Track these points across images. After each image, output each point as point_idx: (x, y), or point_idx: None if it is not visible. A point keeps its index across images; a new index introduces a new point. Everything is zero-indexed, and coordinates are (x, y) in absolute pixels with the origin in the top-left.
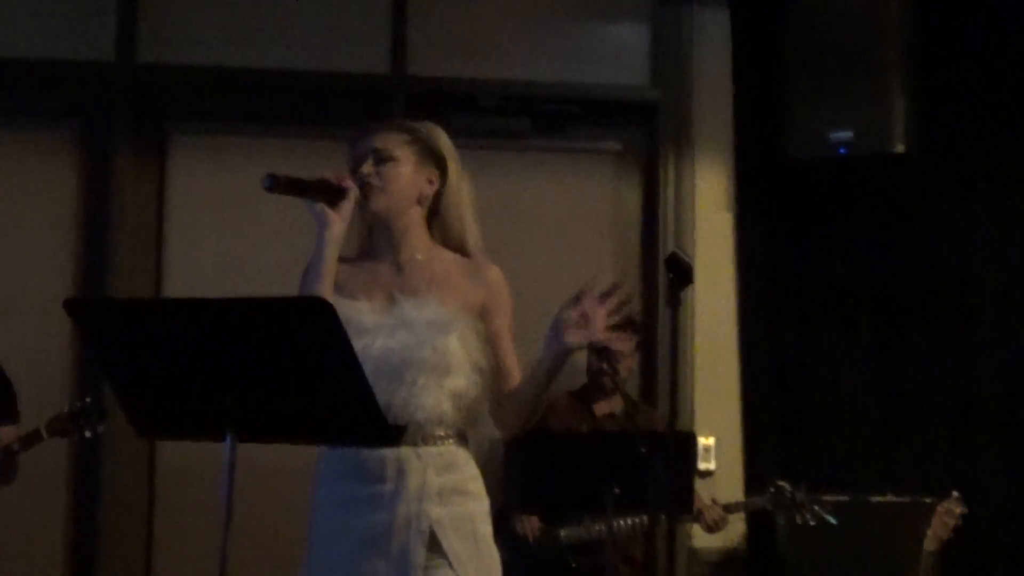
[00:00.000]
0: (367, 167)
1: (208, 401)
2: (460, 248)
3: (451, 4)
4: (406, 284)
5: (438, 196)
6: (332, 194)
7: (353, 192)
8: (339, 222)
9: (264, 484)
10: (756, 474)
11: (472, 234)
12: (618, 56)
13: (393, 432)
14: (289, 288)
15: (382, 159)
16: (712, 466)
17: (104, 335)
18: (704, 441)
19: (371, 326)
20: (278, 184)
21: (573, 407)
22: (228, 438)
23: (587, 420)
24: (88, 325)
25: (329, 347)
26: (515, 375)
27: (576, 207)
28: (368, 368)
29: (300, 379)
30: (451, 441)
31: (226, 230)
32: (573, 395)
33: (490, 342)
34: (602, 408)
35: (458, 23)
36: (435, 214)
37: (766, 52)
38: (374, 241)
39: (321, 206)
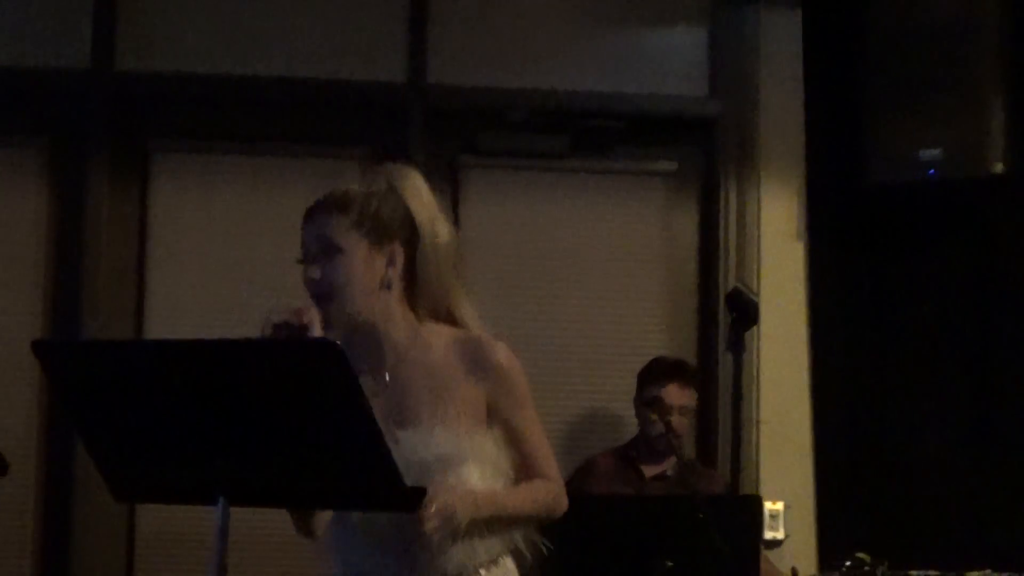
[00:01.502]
0: (311, 271)
1: (197, 460)
2: (450, 318)
3: (477, 4)
4: (399, 407)
5: (412, 260)
6: (296, 333)
7: (316, 320)
8: None
9: (260, 553)
10: (831, 545)
11: (461, 304)
12: (671, 64)
13: (411, 495)
14: None
15: (326, 252)
16: (780, 535)
17: (77, 382)
18: (771, 506)
19: None
20: None
21: (617, 467)
22: (220, 502)
23: (633, 482)
24: (58, 371)
25: (337, 397)
26: (541, 469)
27: (622, 237)
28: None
29: (303, 434)
30: (488, 569)
31: (216, 261)
32: (618, 454)
33: (506, 437)
34: (651, 469)
35: (485, 26)
36: (413, 281)
37: (843, 59)
38: (352, 350)
39: None
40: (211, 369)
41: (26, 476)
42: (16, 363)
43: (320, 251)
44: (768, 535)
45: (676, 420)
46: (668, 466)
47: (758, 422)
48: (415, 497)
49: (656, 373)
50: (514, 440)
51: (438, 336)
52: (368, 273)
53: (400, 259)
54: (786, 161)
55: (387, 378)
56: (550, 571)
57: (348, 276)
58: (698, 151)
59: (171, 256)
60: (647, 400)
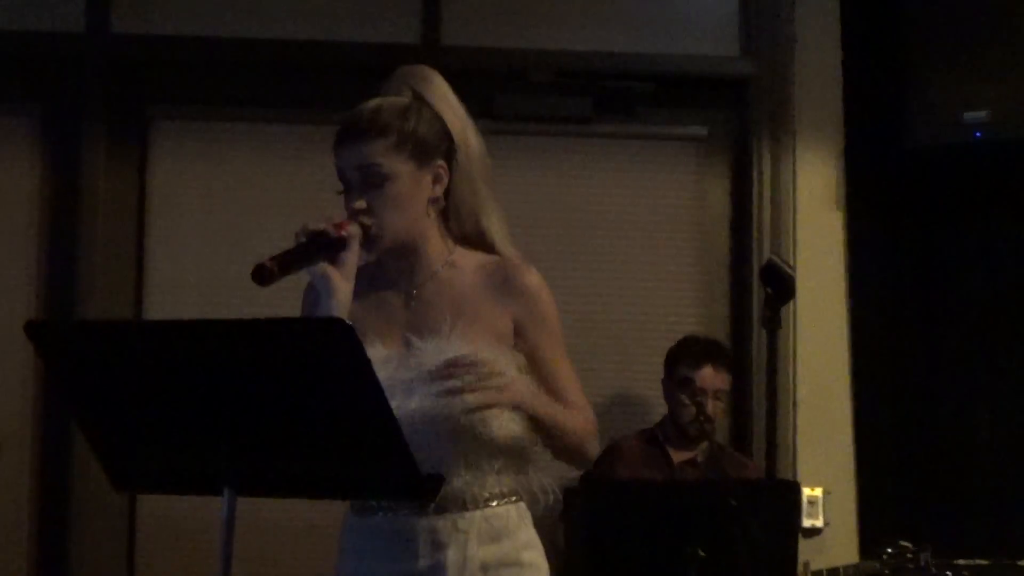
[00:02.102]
0: (356, 201)
1: (200, 448)
2: (481, 241)
3: None
4: (422, 320)
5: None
6: (332, 248)
7: (356, 238)
8: (345, 285)
9: (266, 544)
10: (872, 533)
11: (492, 220)
12: (701, 21)
13: (428, 483)
14: (296, 306)
15: (371, 181)
16: (819, 523)
17: (73, 365)
18: (810, 492)
19: (384, 382)
20: (272, 274)
21: (644, 452)
22: (225, 492)
23: (662, 468)
24: (54, 353)
25: (348, 378)
26: (569, 397)
27: (650, 206)
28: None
29: (312, 419)
30: (499, 502)
31: (221, 236)
32: (645, 436)
33: (531, 365)
34: (681, 454)
35: None
36: (446, 204)
37: (884, 15)
38: (383, 266)
39: (323, 267)
40: (214, 351)
41: (21, 465)
42: (9, 345)
43: (363, 180)
44: (807, 523)
45: (710, 404)
46: (698, 451)
47: (795, 403)
48: (432, 485)
49: (688, 354)
50: (541, 366)
51: (469, 259)
52: (417, 196)
53: (445, 175)
54: (823, 124)
55: (414, 294)
56: (578, 559)
57: (397, 203)
58: (730, 114)
59: (172, 230)
60: (679, 382)
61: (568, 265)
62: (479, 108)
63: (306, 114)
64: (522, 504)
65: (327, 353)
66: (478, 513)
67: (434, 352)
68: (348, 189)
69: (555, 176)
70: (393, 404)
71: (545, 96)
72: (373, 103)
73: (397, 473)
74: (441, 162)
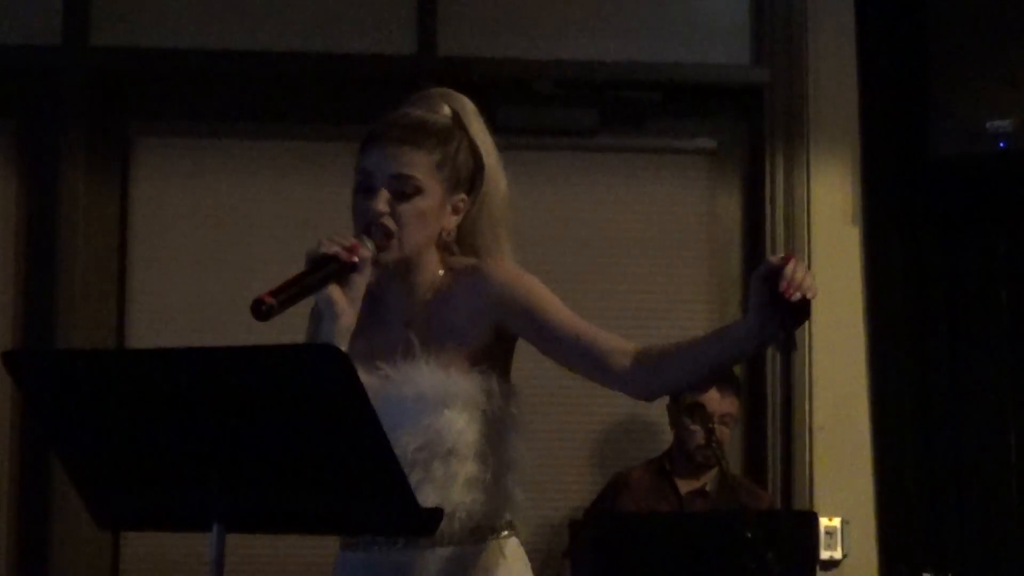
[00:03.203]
0: (381, 203)
1: (188, 482)
2: (481, 255)
3: None
4: (398, 346)
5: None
6: (342, 273)
7: (368, 261)
8: (351, 310)
9: None
10: (894, 564)
11: (504, 252)
12: (711, 28)
13: (428, 517)
14: (287, 329)
15: (404, 192)
16: (838, 554)
17: (53, 397)
18: (827, 522)
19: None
20: (272, 310)
21: (652, 482)
22: (214, 528)
23: (669, 499)
24: (32, 384)
25: (342, 408)
26: (610, 337)
27: (659, 221)
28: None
29: (305, 451)
30: (491, 537)
31: (206, 258)
32: (650, 468)
33: (550, 339)
34: (688, 484)
35: None
36: (455, 236)
37: (902, 20)
38: (383, 291)
39: (330, 291)
40: (202, 380)
41: None
42: None
43: (394, 188)
44: (825, 554)
45: (719, 429)
46: (707, 480)
47: (811, 429)
48: (431, 518)
49: None
50: (561, 329)
51: (448, 274)
52: (438, 220)
53: (463, 210)
54: (839, 135)
55: (408, 321)
56: None
57: (422, 219)
58: (741, 125)
59: (156, 252)
60: (684, 407)
61: (574, 283)
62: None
63: (295, 129)
64: (516, 539)
65: (320, 381)
66: (470, 549)
67: (400, 381)
68: (368, 190)
69: (560, 191)
70: None
71: (549, 108)
72: (416, 114)
73: (395, 506)
74: (464, 196)
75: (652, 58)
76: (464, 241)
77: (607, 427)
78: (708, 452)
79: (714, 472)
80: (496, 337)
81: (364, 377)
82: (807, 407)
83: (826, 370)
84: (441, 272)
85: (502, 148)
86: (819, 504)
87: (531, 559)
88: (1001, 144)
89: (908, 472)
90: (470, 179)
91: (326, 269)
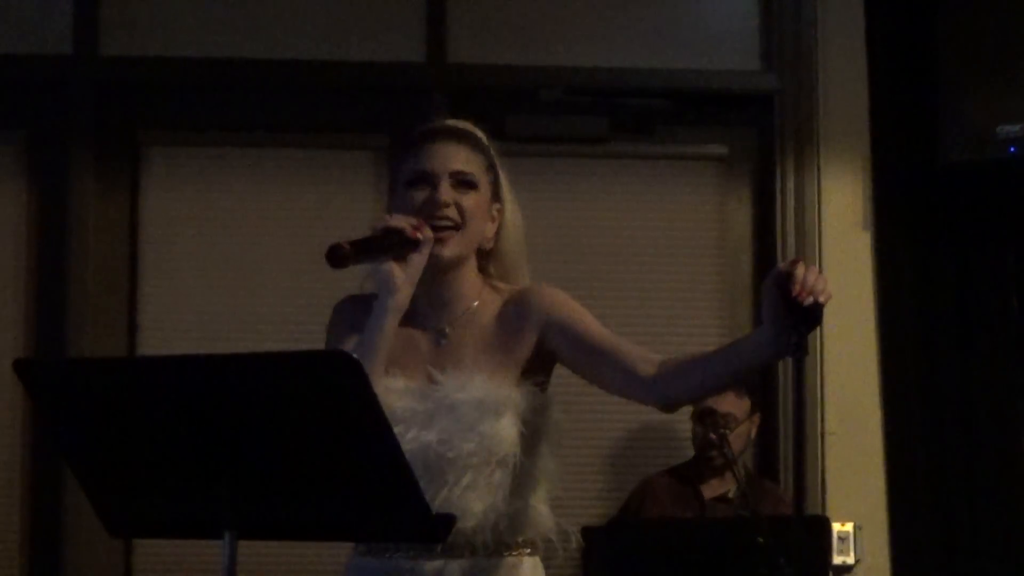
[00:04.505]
0: (447, 194)
1: (200, 490)
2: (508, 279)
3: None
4: (448, 357)
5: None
6: (404, 247)
7: (429, 243)
8: (407, 288)
9: None
10: (906, 570)
11: (524, 273)
12: (720, 35)
13: (439, 523)
14: (298, 338)
15: (465, 188)
16: (851, 559)
17: (64, 405)
18: (840, 528)
19: (402, 413)
20: (346, 257)
21: (675, 489)
22: (226, 536)
23: (693, 505)
24: (44, 392)
25: (354, 414)
26: (637, 349)
27: (669, 229)
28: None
29: (317, 457)
30: (512, 553)
31: (216, 266)
32: (675, 474)
33: (587, 352)
34: (713, 488)
35: None
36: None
37: (912, 26)
38: (414, 303)
39: (390, 266)
40: (213, 387)
41: (11, 511)
42: None
43: (454, 181)
44: (837, 560)
45: (731, 434)
46: (729, 485)
47: (823, 434)
48: (443, 525)
49: None
50: (597, 343)
51: (496, 297)
52: (483, 224)
53: (498, 220)
54: (849, 141)
55: (447, 332)
56: None
57: (480, 214)
58: (752, 132)
59: (166, 260)
60: (698, 412)
61: (584, 292)
62: (488, 129)
63: (304, 138)
64: (537, 558)
65: (332, 388)
66: (491, 562)
67: (455, 387)
68: (425, 185)
69: (569, 199)
70: (410, 435)
71: (557, 115)
72: (460, 123)
73: (407, 513)
74: (499, 207)
75: (662, 65)
76: (498, 259)
77: (626, 434)
78: (720, 456)
79: (742, 475)
80: (538, 354)
81: (402, 381)
82: (819, 412)
83: (838, 375)
84: (481, 285)
85: (511, 156)
86: (831, 509)
87: (545, 566)
88: (1011, 149)
89: (920, 477)
90: (499, 195)
91: (391, 240)
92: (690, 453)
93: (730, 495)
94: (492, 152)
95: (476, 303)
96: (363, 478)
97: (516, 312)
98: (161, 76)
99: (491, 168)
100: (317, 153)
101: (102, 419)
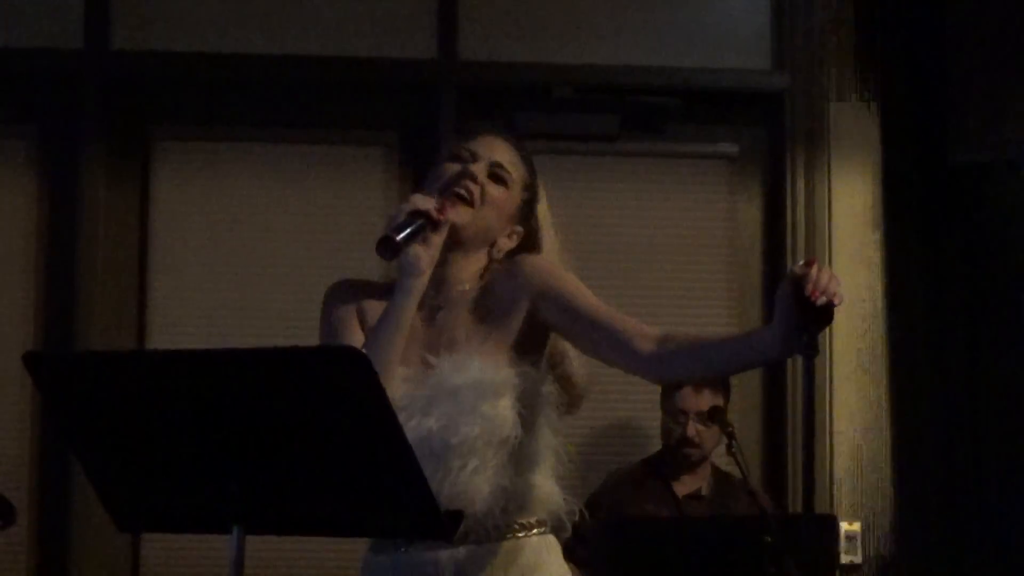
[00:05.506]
0: (480, 170)
1: (208, 485)
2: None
3: None
4: (440, 338)
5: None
6: (429, 228)
7: (446, 225)
8: (431, 269)
9: None
10: (914, 570)
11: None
12: (731, 33)
13: (448, 520)
14: (307, 334)
15: (498, 176)
16: (858, 558)
17: (73, 399)
18: (847, 527)
19: (401, 401)
20: (399, 247)
21: (647, 485)
22: (234, 531)
23: (666, 501)
24: (53, 386)
25: (363, 410)
26: (633, 321)
27: (679, 227)
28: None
29: (325, 453)
30: (527, 533)
31: (226, 260)
32: (648, 466)
33: (577, 324)
34: (685, 485)
35: None
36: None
37: (923, 26)
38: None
39: (416, 248)
40: (222, 382)
41: (19, 503)
42: (6, 377)
43: (491, 170)
44: (844, 559)
45: (690, 427)
46: (701, 482)
47: (832, 433)
48: (451, 521)
49: None
50: (591, 315)
51: (488, 272)
52: (500, 228)
53: (516, 241)
54: (860, 141)
55: (438, 312)
56: None
57: (498, 208)
58: (762, 130)
59: (176, 255)
60: (664, 402)
61: (593, 288)
62: (498, 126)
63: (315, 133)
64: (551, 536)
65: (341, 383)
66: (505, 544)
67: (451, 369)
68: (464, 162)
69: (579, 197)
70: (411, 423)
71: (568, 113)
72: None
73: (415, 509)
74: (521, 231)
75: (672, 63)
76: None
77: (634, 428)
78: (691, 450)
79: (709, 474)
80: (530, 327)
81: (400, 368)
82: (828, 411)
83: (847, 374)
84: (479, 279)
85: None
86: (839, 508)
87: None
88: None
89: (928, 477)
90: (523, 224)
91: (419, 223)
92: (656, 447)
93: (703, 492)
94: (536, 179)
95: (468, 286)
96: (371, 473)
97: (506, 283)
98: (172, 71)
99: (528, 189)
100: (327, 149)
101: (110, 413)
